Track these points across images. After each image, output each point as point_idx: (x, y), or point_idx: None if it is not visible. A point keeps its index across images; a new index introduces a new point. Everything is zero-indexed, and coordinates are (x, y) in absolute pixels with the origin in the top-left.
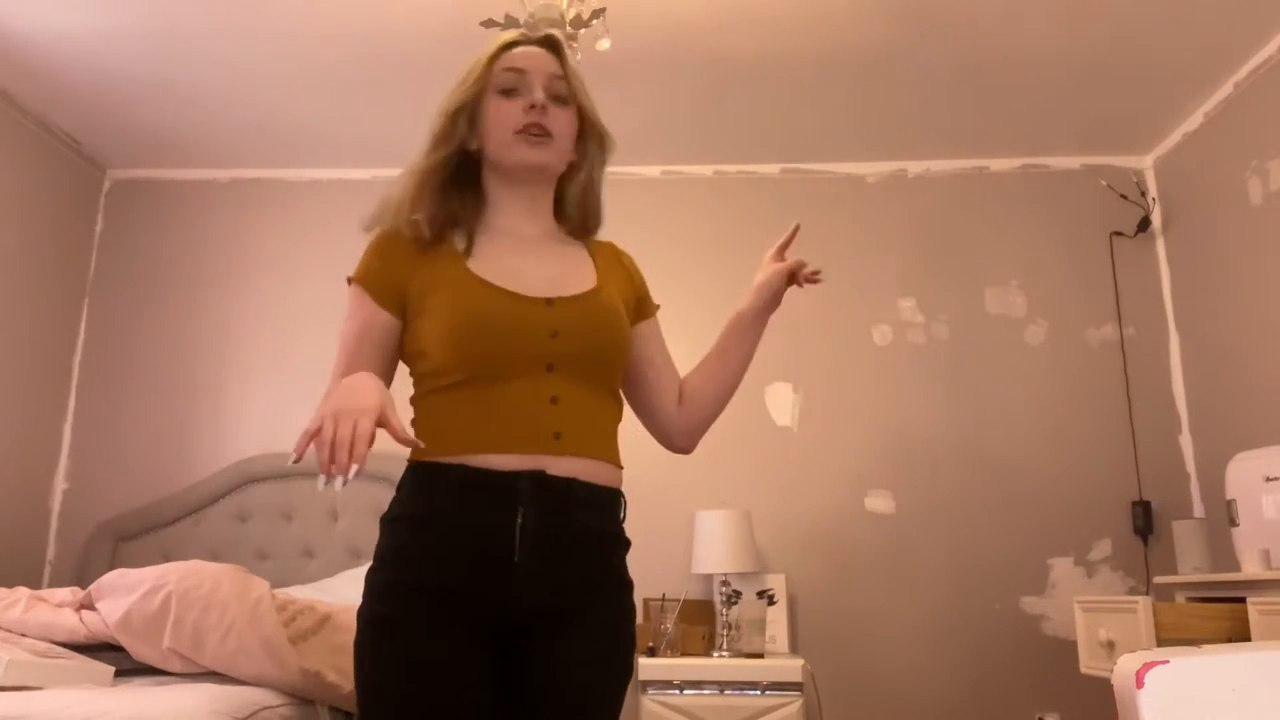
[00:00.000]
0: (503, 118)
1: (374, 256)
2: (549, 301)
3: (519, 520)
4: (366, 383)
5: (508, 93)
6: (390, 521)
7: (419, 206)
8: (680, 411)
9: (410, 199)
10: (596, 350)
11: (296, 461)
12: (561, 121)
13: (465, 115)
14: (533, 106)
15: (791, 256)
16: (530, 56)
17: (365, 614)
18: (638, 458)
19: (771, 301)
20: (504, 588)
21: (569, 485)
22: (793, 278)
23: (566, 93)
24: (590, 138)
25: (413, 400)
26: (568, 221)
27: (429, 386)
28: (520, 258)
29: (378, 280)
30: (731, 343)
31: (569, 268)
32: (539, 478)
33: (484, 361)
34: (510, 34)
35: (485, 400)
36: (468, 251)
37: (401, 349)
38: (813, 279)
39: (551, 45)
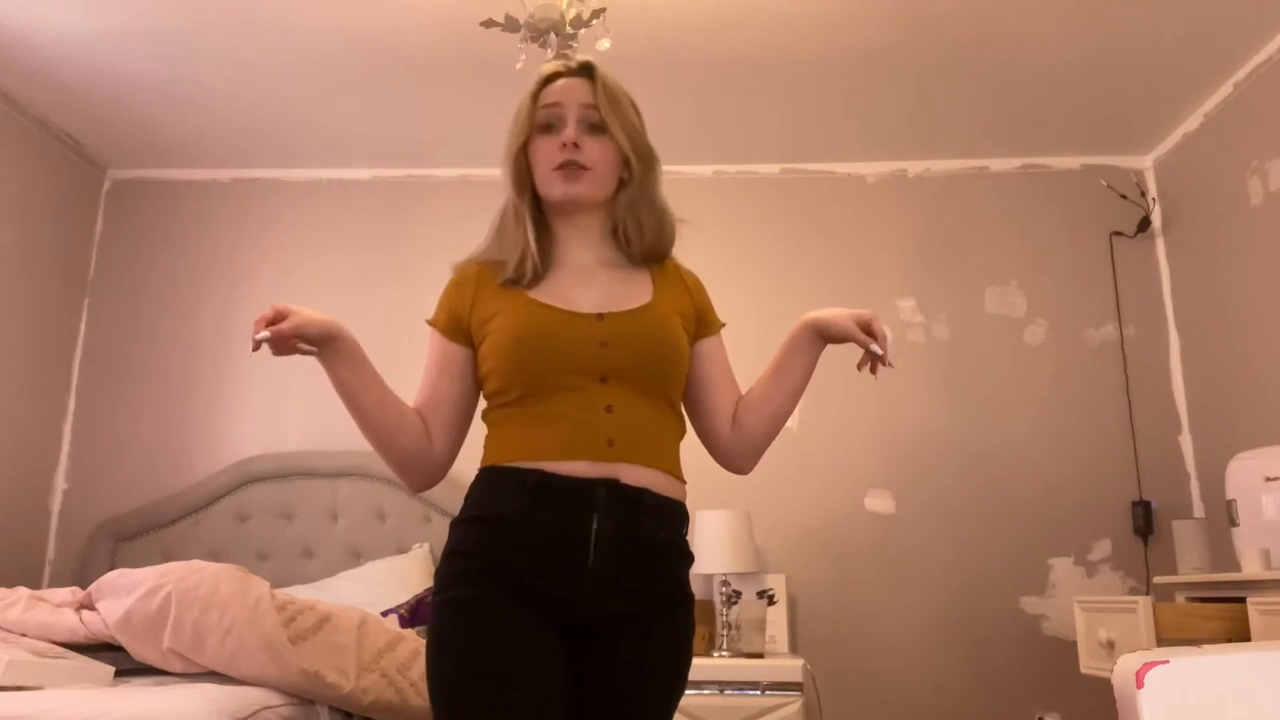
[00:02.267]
0: (543, 156)
1: (442, 297)
2: (600, 316)
3: (594, 525)
4: None
5: (546, 129)
6: (464, 522)
7: (505, 248)
8: (733, 434)
9: (494, 242)
10: (647, 359)
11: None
12: (596, 152)
13: (523, 156)
14: (564, 145)
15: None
16: (565, 90)
17: (444, 600)
18: None
19: (834, 337)
20: (576, 589)
21: (641, 495)
22: (861, 344)
23: (599, 121)
24: (635, 159)
25: (485, 418)
26: (630, 246)
27: (496, 404)
28: (574, 281)
29: (443, 315)
30: (785, 368)
31: (624, 288)
32: (613, 485)
33: (538, 374)
34: (550, 66)
35: (545, 411)
36: (531, 283)
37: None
38: (880, 363)
39: (586, 72)
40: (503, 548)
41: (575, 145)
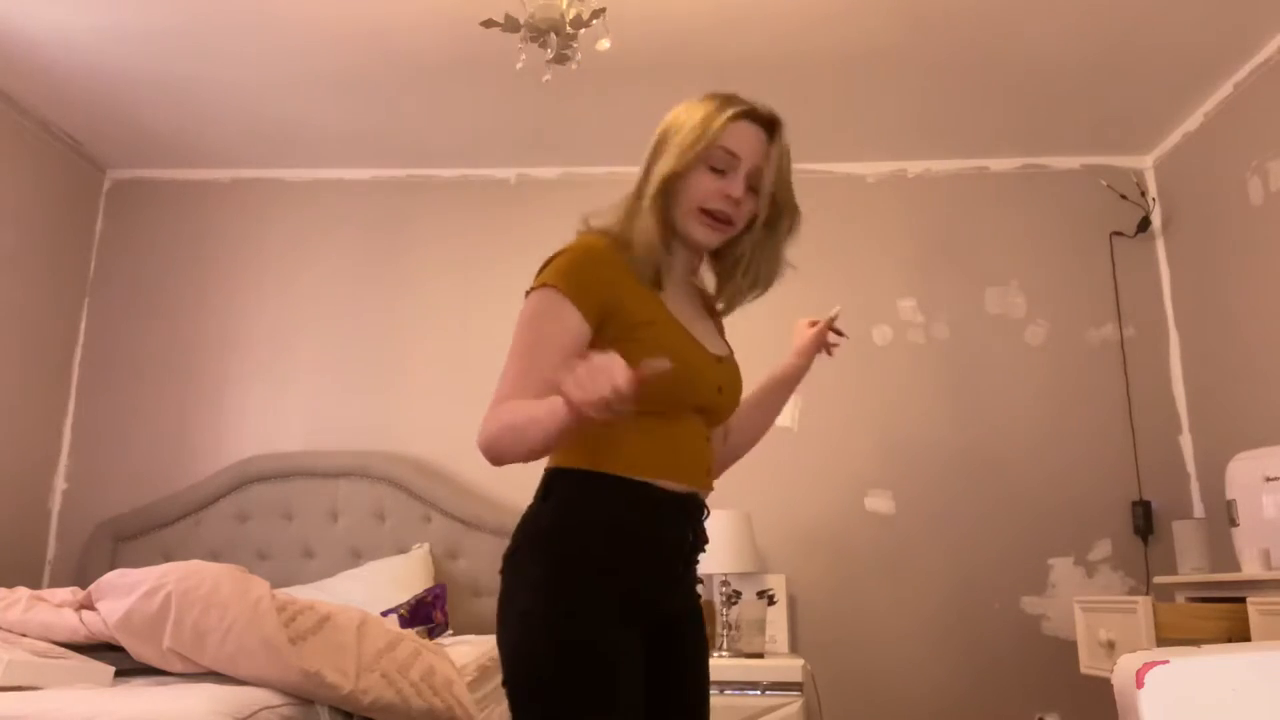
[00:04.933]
0: (698, 190)
1: (583, 272)
2: (719, 360)
3: (690, 538)
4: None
5: (715, 170)
6: (574, 528)
7: (635, 236)
8: (724, 449)
9: (625, 221)
10: (735, 407)
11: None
12: (745, 211)
13: (680, 175)
14: (728, 197)
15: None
16: (747, 143)
17: (554, 609)
18: None
19: (809, 354)
20: (669, 595)
21: (705, 508)
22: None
23: (760, 185)
24: (783, 214)
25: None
26: (727, 288)
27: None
28: (690, 315)
29: (587, 294)
30: (770, 399)
31: (713, 330)
32: (696, 500)
33: (676, 402)
34: (743, 103)
35: (663, 432)
36: (660, 286)
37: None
38: (835, 344)
39: (771, 130)
40: (619, 557)
41: (737, 202)
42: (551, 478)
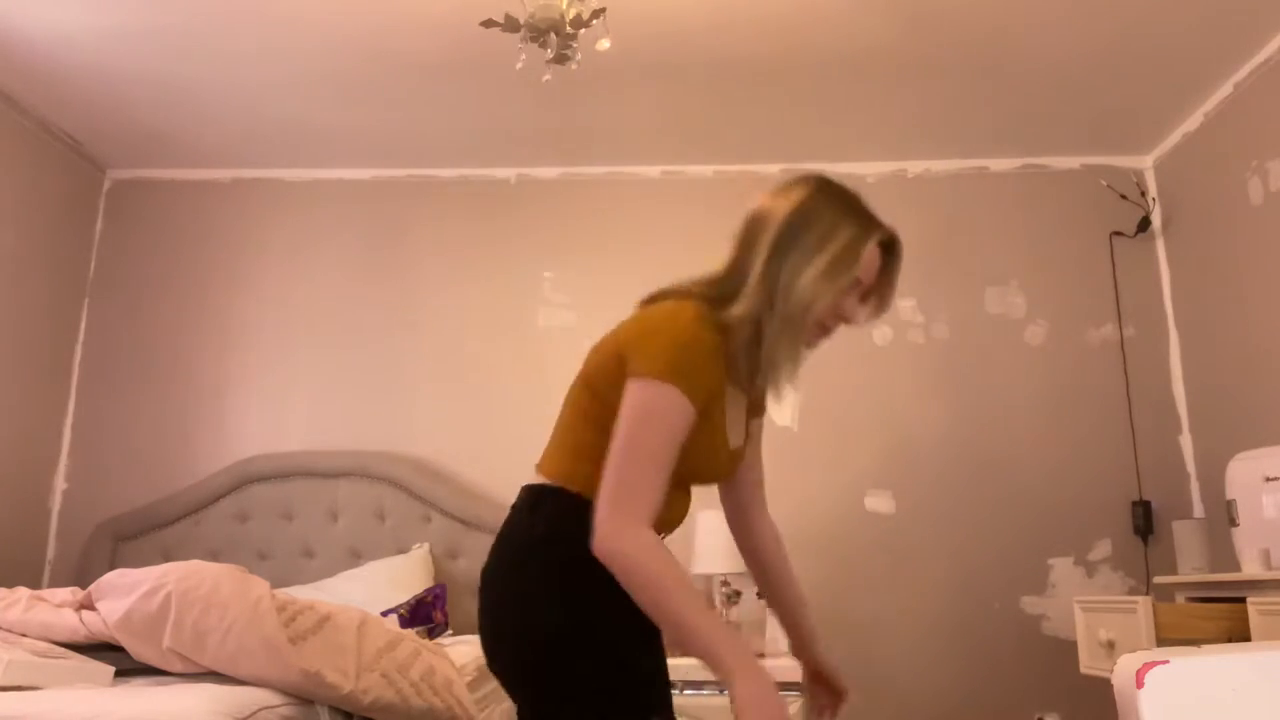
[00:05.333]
0: (827, 313)
1: (703, 371)
2: (733, 453)
3: None
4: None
5: (850, 289)
6: (572, 538)
7: (747, 361)
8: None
9: (777, 348)
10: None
11: None
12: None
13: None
14: (848, 323)
15: None
16: (874, 266)
17: (583, 629)
18: None
19: (817, 679)
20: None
21: None
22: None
23: (882, 307)
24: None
25: (601, 462)
26: (760, 382)
27: None
28: (736, 412)
29: (702, 393)
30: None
31: (744, 402)
32: None
33: (695, 482)
34: (885, 234)
35: (676, 498)
36: (732, 380)
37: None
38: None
39: (895, 256)
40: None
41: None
42: (542, 494)
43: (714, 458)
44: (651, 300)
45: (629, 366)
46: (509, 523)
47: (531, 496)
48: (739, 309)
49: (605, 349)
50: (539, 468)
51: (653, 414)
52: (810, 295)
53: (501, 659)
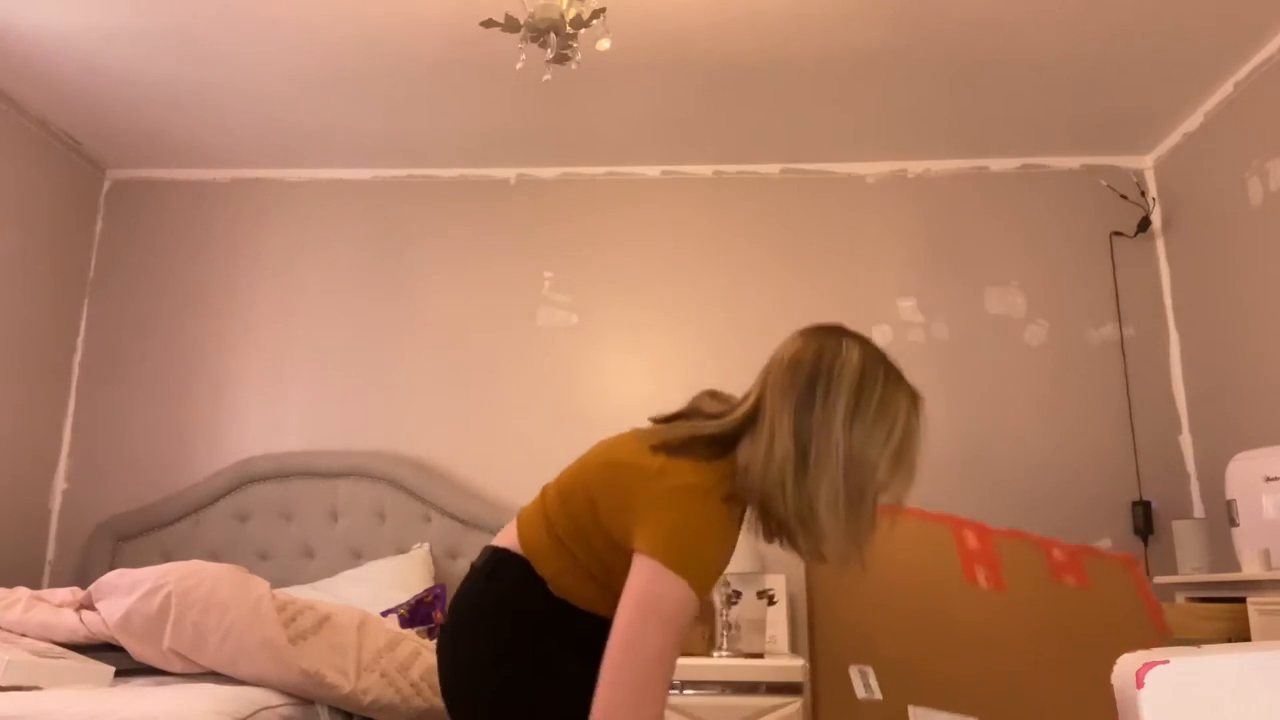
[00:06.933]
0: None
1: (716, 563)
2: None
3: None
4: None
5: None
6: (537, 628)
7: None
8: None
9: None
10: None
11: None
12: None
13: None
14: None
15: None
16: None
17: (531, 686)
18: None
19: None
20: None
21: None
22: None
23: None
24: None
25: (572, 564)
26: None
27: (603, 584)
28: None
29: (712, 585)
30: None
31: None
32: None
33: None
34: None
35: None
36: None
37: (616, 549)
38: None
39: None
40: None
41: None
42: (501, 560)
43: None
44: (664, 447)
45: (636, 535)
46: (467, 582)
47: (491, 562)
48: (759, 461)
49: (617, 489)
50: (519, 526)
51: (661, 614)
52: (881, 480)
53: (458, 714)
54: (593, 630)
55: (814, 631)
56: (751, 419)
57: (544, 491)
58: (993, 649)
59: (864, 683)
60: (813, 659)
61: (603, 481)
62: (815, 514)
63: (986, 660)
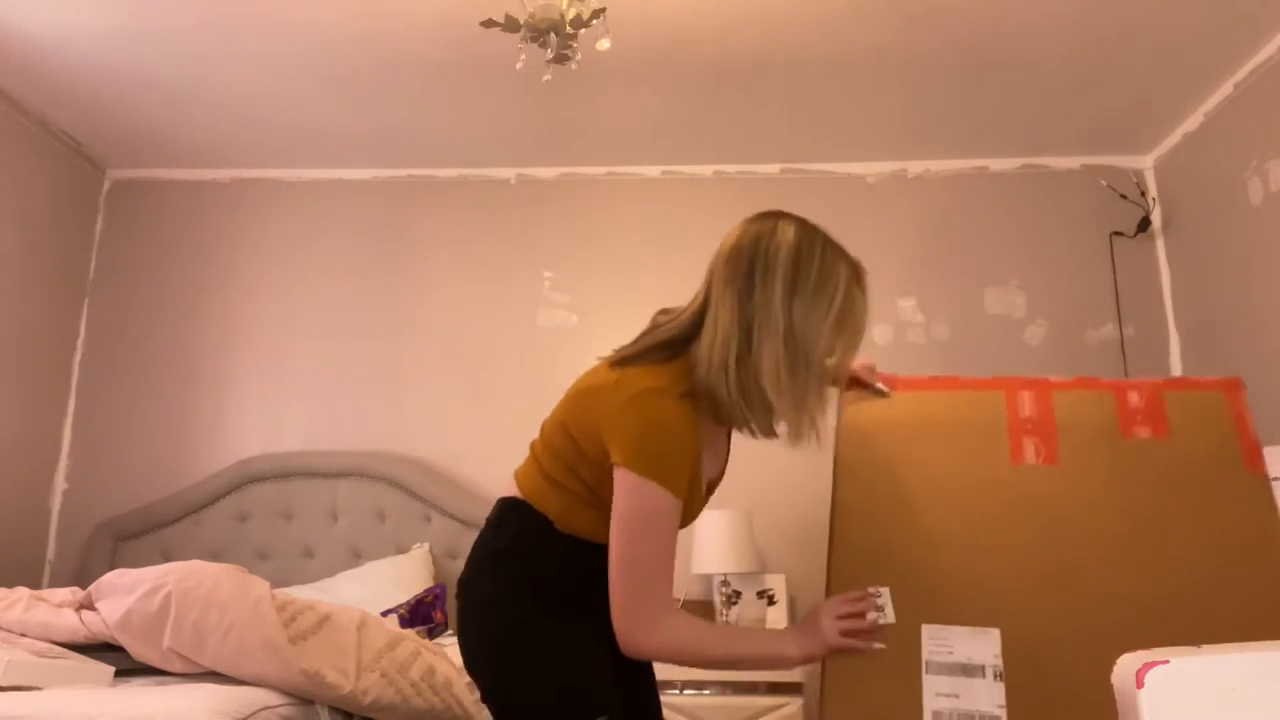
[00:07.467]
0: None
1: (683, 460)
2: (711, 484)
3: None
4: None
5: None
6: (546, 572)
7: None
8: None
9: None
10: None
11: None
12: None
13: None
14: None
15: None
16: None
17: (540, 628)
18: None
19: None
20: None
21: None
22: None
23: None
24: None
25: (570, 498)
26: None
27: (605, 511)
28: (720, 448)
29: (684, 481)
30: None
31: (724, 433)
32: None
33: None
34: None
35: None
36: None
37: (603, 472)
38: None
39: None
40: (592, 605)
41: None
42: (508, 509)
43: (691, 509)
44: (621, 361)
45: (610, 451)
46: (481, 534)
47: (499, 511)
48: (705, 350)
49: (584, 411)
50: (516, 477)
51: (646, 520)
52: (825, 347)
53: (468, 654)
54: (604, 561)
55: (831, 562)
56: (700, 315)
57: (531, 445)
58: (1036, 543)
59: (876, 605)
60: (827, 590)
61: (574, 411)
62: (761, 388)
63: (1029, 556)
